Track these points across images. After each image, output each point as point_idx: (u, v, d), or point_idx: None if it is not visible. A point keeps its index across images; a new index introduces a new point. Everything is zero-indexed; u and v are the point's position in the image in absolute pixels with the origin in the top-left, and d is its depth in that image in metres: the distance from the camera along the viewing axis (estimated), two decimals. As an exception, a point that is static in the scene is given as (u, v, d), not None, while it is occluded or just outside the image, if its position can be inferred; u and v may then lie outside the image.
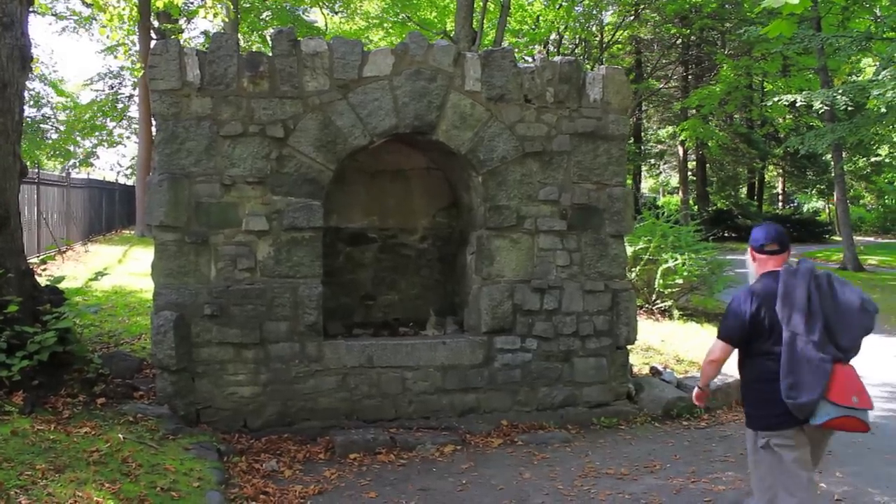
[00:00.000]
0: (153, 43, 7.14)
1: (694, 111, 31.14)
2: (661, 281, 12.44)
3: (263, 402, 6.75)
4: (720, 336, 4.44)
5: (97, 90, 35.78)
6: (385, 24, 26.43)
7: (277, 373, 6.78)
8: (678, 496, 5.56)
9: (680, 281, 12.41)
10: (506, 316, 7.28)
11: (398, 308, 8.21)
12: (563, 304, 7.42)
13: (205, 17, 14.11)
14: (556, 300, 7.40)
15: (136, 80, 28.41)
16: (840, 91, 18.31)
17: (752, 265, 4.56)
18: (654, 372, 8.58)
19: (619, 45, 32.28)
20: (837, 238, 31.84)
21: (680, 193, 37.99)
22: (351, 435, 6.67)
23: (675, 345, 10.12)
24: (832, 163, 24.05)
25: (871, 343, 11.58)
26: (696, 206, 35.77)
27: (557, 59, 7.55)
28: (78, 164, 38.04)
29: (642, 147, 39.11)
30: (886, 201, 46.94)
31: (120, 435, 5.61)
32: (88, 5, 21.57)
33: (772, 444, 4.15)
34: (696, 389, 4.72)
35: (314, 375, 6.86)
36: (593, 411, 7.51)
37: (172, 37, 20.71)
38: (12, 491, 4.32)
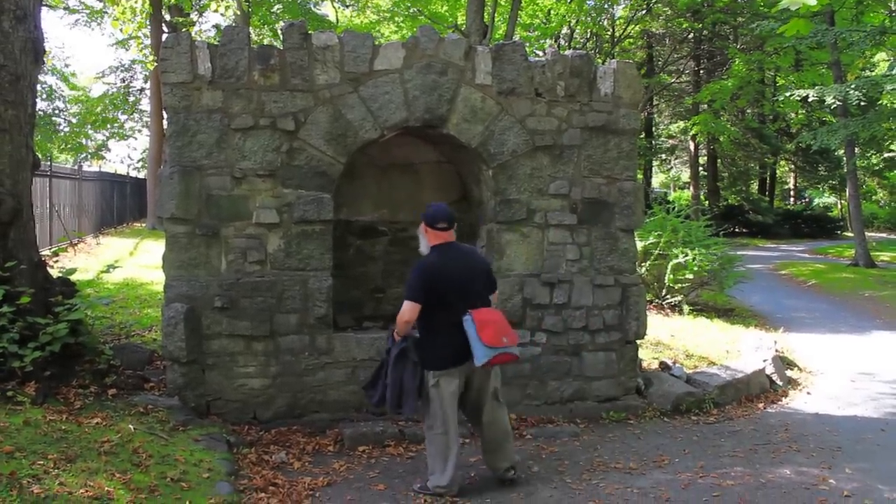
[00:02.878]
0: (165, 36, 7.15)
1: (705, 106, 31.01)
2: (671, 276, 12.41)
3: (273, 394, 6.78)
4: (411, 298, 5.37)
5: (109, 83, 35.96)
6: (396, 18, 26.40)
7: (287, 365, 6.80)
8: (686, 491, 5.56)
9: (690, 276, 12.38)
10: (515, 310, 7.28)
11: (408, 301, 8.20)
12: (572, 298, 7.42)
13: (216, 11, 14.14)
14: (566, 294, 7.40)
15: (147, 73, 28.51)
16: (853, 86, 18.17)
17: (424, 238, 5.62)
18: (664, 367, 8.57)
19: (631, 40, 32.18)
20: (849, 234, 31.70)
21: (691, 188, 37.87)
22: (360, 427, 6.69)
23: (685, 340, 10.10)
24: (844, 158, 23.88)
25: (883, 340, 11.56)
26: (707, 202, 35.63)
27: (568, 52, 7.54)
28: (89, 157, 38.21)
29: (653, 142, 38.99)
30: (899, 197, 46.68)
31: (131, 426, 5.65)
32: (101, -2, 21.66)
33: (440, 381, 5.42)
34: (395, 337, 5.54)
35: (324, 368, 6.89)
36: (602, 406, 7.51)
37: (184, 30, 20.75)
38: (24, 480, 4.36)
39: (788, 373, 9.43)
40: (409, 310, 5.35)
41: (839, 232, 40.30)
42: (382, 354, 5.79)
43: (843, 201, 42.71)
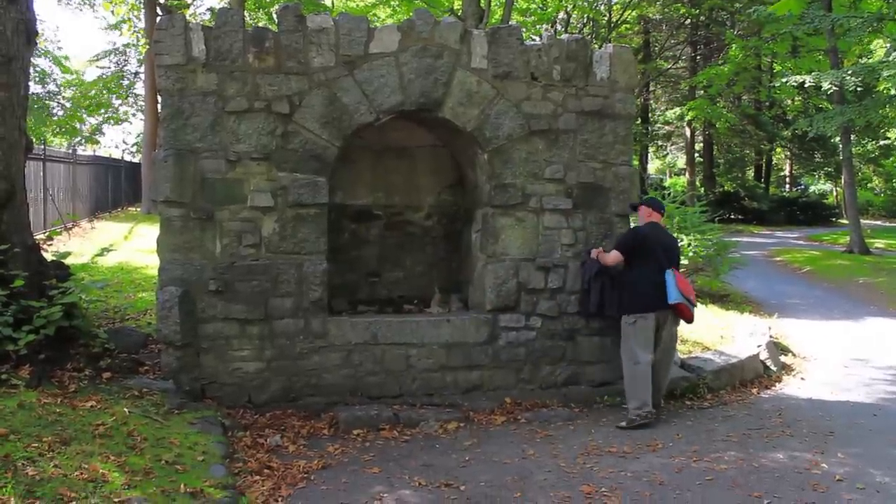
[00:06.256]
0: (159, 18, 7.12)
1: (702, 91, 30.93)
2: (666, 261, 12.40)
3: (268, 377, 6.78)
4: (618, 250, 7.08)
5: (103, 67, 35.69)
6: (392, 2, 26.20)
7: (282, 349, 6.80)
8: (680, 475, 5.58)
9: (685, 262, 12.38)
10: (510, 294, 7.28)
11: (403, 285, 8.21)
12: (567, 282, 7.42)
13: (210, -7, 14.02)
14: (561, 279, 7.40)
15: (141, 56, 28.33)
16: (850, 72, 18.14)
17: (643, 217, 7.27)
18: (658, 352, 8.59)
19: (628, 25, 31.97)
20: (844, 221, 31.72)
21: (687, 175, 37.83)
22: (355, 411, 6.70)
23: (680, 325, 10.09)
24: (840, 145, 23.88)
25: (876, 326, 11.61)
26: (703, 188, 35.61)
27: (564, 37, 7.51)
28: (84, 140, 38.00)
29: (649, 128, 38.91)
30: (894, 185, 46.66)
31: (125, 409, 5.65)
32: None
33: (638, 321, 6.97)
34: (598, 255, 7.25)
35: (319, 352, 6.89)
36: (596, 390, 7.53)
37: (178, 12, 20.61)
38: (19, 462, 4.36)
39: (782, 358, 9.47)
40: (614, 257, 7.02)
41: (834, 219, 40.34)
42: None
43: (838, 188, 42.72)
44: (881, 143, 35.89)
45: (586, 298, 7.35)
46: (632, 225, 7.72)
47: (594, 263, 7.25)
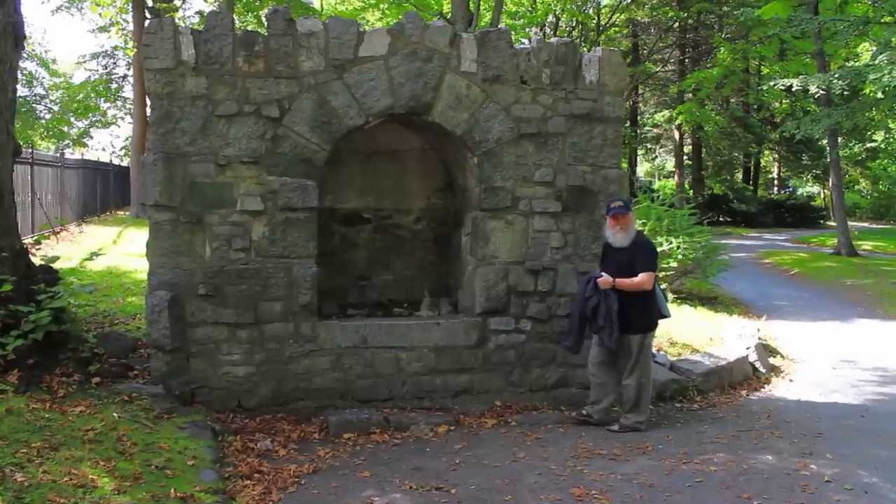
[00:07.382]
0: (147, 22, 7.11)
1: (690, 95, 31.08)
2: (655, 264, 12.43)
3: (258, 381, 6.77)
4: (654, 270, 6.78)
5: (90, 70, 35.54)
6: (381, 5, 26.21)
7: (272, 353, 6.79)
8: (669, 477, 5.60)
9: (674, 264, 12.43)
10: (500, 297, 7.29)
11: (393, 289, 8.21)
12: (557, 285, 7.43)
13: (199, -3, 14.00)
14: (551, 282, 7.42)
15: (129, 59, 28.23)
16: (836, 75, 18.27)
17: (623, 229, 6.80)
18: (648, 354, 8.61)
19: (616, 28, 32.17)
20: (832, 223, 31.92)
21: (675, 177, 37.97)
22: (345, 415, 6.70)
23: (669, 327, 10.12)
24: (828, 148, 24.05)
25: (864, 328, 11.66)
26: (692, 191, 35.76)
27: (554, 40, 7.53)
28: (72, 144, 37.85)
29: (638, 131, 39.06)
30: (881, 187, 46.96)
31: (115, 414, 5.63)
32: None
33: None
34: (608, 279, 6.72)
35: (308, 355, 6.88)
36: (587, 392, 7.52)
37: (167, 15, 20.53)
38: (7, 468, 4.34)
39: (771, 360, 9.52)
40: (650, 278, 6.67)
41: (822, 221, 40.59)
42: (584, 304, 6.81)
43: (826, 191, 43.02)
44: (868, 145, 36.14)
45: (605, 331, 6.74)
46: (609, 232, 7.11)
47: (612, 295, 6.68)
